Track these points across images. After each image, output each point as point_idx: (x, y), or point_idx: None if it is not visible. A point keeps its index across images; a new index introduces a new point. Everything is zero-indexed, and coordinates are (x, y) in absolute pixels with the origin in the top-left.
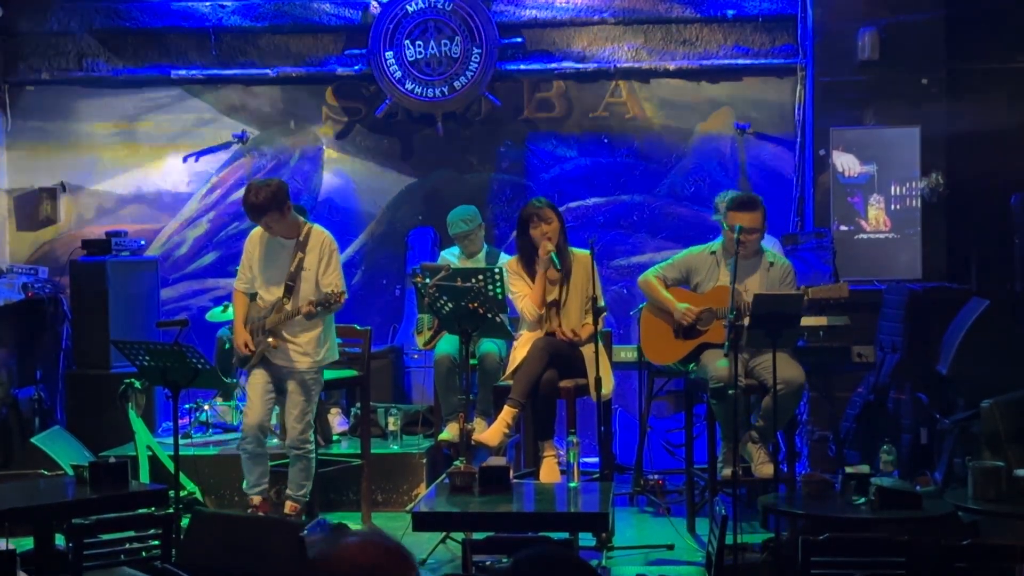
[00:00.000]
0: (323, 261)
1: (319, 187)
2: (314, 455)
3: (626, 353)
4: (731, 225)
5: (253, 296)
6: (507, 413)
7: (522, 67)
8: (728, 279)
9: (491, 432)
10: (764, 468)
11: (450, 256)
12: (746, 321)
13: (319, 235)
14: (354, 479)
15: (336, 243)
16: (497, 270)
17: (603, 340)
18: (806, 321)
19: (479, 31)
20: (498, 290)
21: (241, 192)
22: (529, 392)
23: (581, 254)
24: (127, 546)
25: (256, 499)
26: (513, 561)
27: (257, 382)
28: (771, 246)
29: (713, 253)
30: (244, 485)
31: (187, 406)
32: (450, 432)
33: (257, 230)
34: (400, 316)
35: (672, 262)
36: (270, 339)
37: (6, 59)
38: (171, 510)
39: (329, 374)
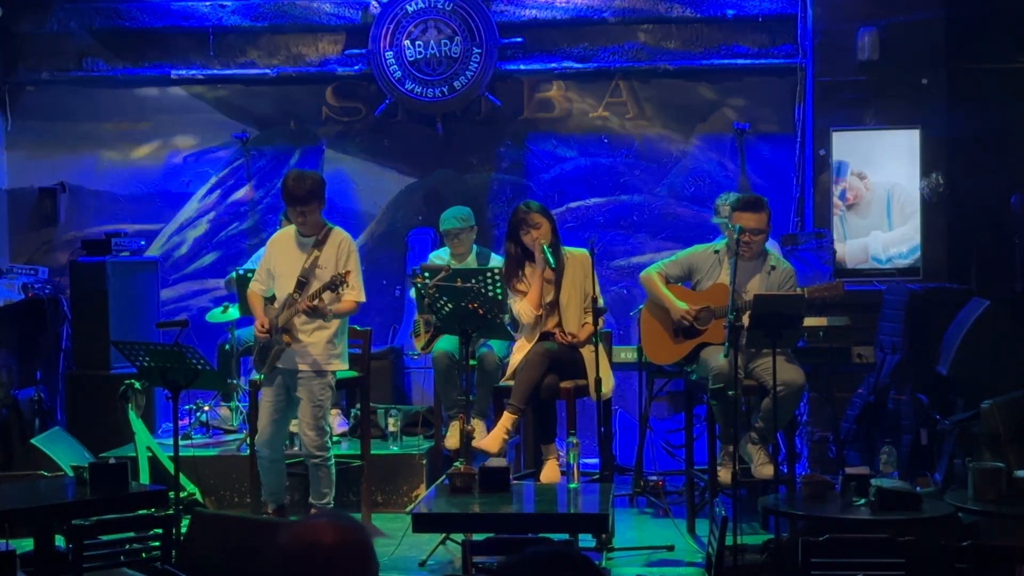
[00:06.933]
0: (341, 259)
1: None
2: (332, 462)
3: (626, 353)
4: (735, 225)
5: (271, 299)
6: (507, 419)
7: (522, 67)
8: (729, 278)
9: (491, 438)
10: (764, 469)
11: (438, 260)
12: (746, 320)
13: (338, 235)
14: (354, 480)
15: (355, 245)
16: (497, 271)
17: (603, 341)
18: (806, 321)
19: (479, 31)
20: (498, 291)
21: (241, 192)
22: (529, 398)
23: (578, 253)
24: (127, 547)
25: (269, 508)
26: (505, 559)
27: (266, 400)
28: (771, 247)
29: (716, 252)
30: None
31: (187, 407)
32: (453, 439)
33: (278, 234)
34: (400, 317)
35: (676, 259)
36: (285, 336)
37: (6, 59)
38: (171, 511)
39: None
